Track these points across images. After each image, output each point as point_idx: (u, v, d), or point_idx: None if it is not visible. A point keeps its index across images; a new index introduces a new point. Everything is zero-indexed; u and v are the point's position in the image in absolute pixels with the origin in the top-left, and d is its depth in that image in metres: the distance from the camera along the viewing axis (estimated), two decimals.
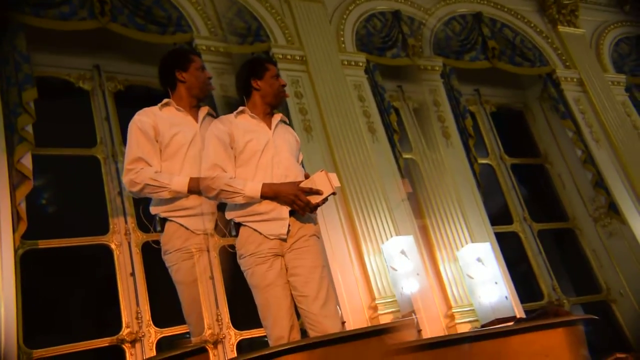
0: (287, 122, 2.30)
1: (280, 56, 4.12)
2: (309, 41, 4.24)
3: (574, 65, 5.38)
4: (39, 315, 2.95)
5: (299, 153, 2.27)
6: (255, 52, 4.03)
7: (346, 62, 4.34)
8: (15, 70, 3.10)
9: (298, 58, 4.17)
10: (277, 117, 2.23)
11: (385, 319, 3.34)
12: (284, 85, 2.23)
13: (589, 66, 5.43)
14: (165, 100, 2.22)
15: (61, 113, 3.58)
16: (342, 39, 4.45)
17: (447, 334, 3.61)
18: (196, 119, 2.21)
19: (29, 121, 3.04)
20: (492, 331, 2.25)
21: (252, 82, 2.18)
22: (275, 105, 2.23)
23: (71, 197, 3.42)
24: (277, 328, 1.97)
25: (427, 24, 4.84)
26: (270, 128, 2.15)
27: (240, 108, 2.18)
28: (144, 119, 2.15)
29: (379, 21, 4.69)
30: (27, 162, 2.96)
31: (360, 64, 4.39)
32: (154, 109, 2.20)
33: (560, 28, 5.52)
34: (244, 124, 2.13)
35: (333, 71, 4.19)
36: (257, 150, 2.08)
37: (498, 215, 4.65)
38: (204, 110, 2.27)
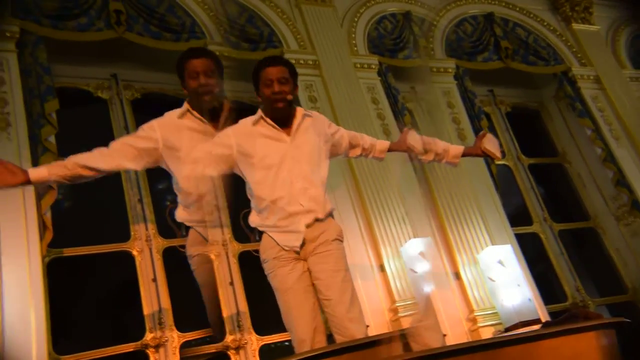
0: (311, 114, 2.19)
1: (294, 61, 4.09)
2: (321, 45, 4.25)
3: (590, 63, 5.31)
4: (65, 321, 2.99)
5: (328, 146, 2.18)
6: None
7: (359, 65, 4.33)
8: (38, 82, 3.16)
9: (311, 63, 4.18)
10: (299, 117, 2.13)
11: (406, 322, 3.32)
12: (276, 93, 2.06)
13: (606, 63, 5.36)
14: (181, 110, 2.18)
15: (81, 122, 3.63)
16: (354, 42, 4.46)
17: (469, 337, 3.56)
18: (216, 128, 2.13)
19: (52, 132, 3.09)
20: (521, 336, 2.20)
21: (256, 94, 2.15)
22: (277, 114, 2.10)
23: (92, 205, 3.46)
24: (299, 331, 1.96)
25: (438, 26, 4.83)
26: (289, 134, 2.08)
27: (258, 114, 2.12)
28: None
29: (390, 23, 4.68)
30: None
31: (373, 67, 4.39)
32: (172, 115, 2.19)
33: (575, 25, 5.46)
34: (261, 134, 2.08)
35: (346, 74, 4.19)
36: (272, 165, 2.04)
37: (517, 217, 4.60)
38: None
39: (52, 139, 3.09)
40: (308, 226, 2.02)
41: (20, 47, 3.30)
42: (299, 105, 3.93)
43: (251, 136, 2.07)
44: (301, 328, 1.95)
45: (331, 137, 2.22)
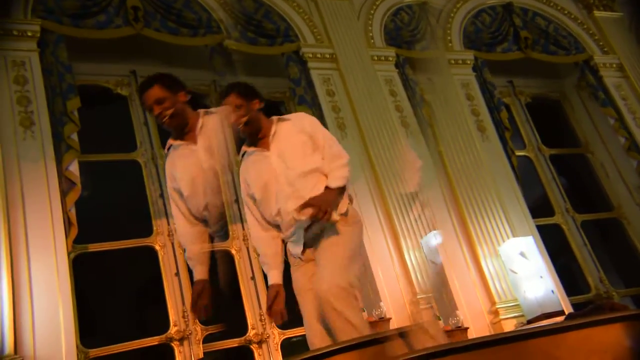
0: (289, 118, 2.11)
1: (311, 55, 4.12)
2: (338, 39, 4.23)
3: (612, 51, 5.20)
4: (91, 316, 3.05)
5: (310, 150, 2.04)
6: (285, 53, 4.05)
7: (376, 58, 4.31)
8: (59, 80, 3.20)
9: (328, 56, 4.17)
10: (273, 127, 2.07)
11: (427, 314, 3.30)
12: (236, 122, 2.03)
13: (629, 50, 5.25)
14: (167, 144, 2.20)
15: (101, 119, 3.68)
16: (371, 34, 4.43)
17: (491, 330, 3.54)
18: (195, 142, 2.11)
19: (74, 129, 3.14)
20: (546, 328, 2.16)
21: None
22: (250, 137, 2.09)
23: (115, 201, 3.50)
24: (309, 331, 1.99)
25: (456, 18, 4.77)
26: (269, 147, 2.04)
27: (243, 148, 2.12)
28: None
29: (407, 14, 4.64)
30: (74, 169, 3.07)
31: (390, 59, 4.36)
32: (168, 151, 2.23)
33: (597, 13, 5.34)
34: (249, 164, 2.08)
35: (363, 67, 4.17)
36: (263, 184, 2.02)
37: (539, 208, 4.54)
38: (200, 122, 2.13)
39: (75, 136, 3.14)
40: (306, 230, 1.99)
41: (41, 47, 3.36)
42: (316, 100, 3.98)
43: (247, 169, 2.10)
44: (310, 329, 1.97)
45: (304, 151, 2.05)
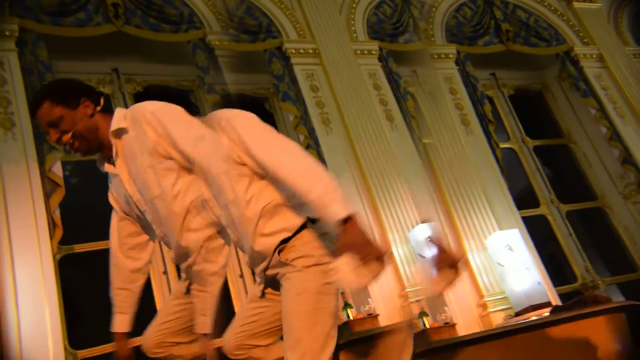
0: (122, 128, 1.54)
1: (294, 51, 4.11)
2: (321, 33, 4.22)
3: (592, 42, 5.26)
4: (79, 316, 3.02)
5: (162, 147, 1.49)
6: (267, 49, 4.03)
7: (359, 52, 4.31)
8: (40, 80, 3.15)
9: (311, 51, 4.16)
10: (112, 136, 1.55)
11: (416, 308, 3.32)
12: (58, 142, 1.56)
13: (608, 41, 5.32)
14: None
15: None
16: (354, 28, 4.42)
17: (480, 323, 3.56)
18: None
19: None
20: (531, 324, 2.20)
21: None
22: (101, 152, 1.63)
23: (100, 200, 3.46)
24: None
25: (438, 12, 4.79)
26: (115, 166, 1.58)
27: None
28: None
29: (389, 7, 4.64)
30: (57, 170, 3.02)
31: (374, 52, 4.36)
32: None
33: (576, 4, 5.40)
34: (115, 185, 1.64)
35: (347, 62, 4.17)
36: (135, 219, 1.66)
37: (524, 199, 4.59)
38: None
39: None
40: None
41: (20, 46, 3.29)
42: (300, 95, 3.96)
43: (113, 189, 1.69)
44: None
45: (156, 137, 1.49)
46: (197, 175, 1.48)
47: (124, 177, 1.56)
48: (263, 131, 1.44)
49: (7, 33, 3.28)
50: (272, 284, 1.53)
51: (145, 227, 1.70)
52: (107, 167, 1.60)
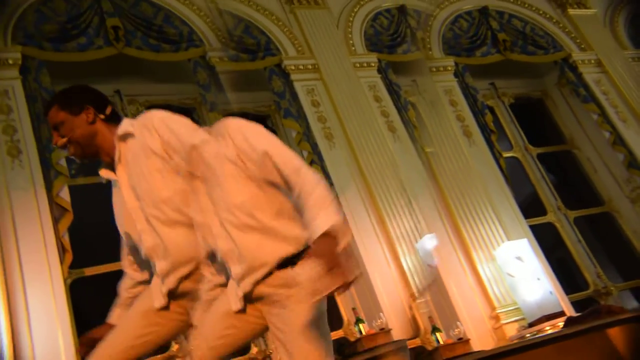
0: (132, 129, 1.58)
1: (293, 67, 4.14)
2: (319, 49, 4.25)
3: (589, 47, 5.29)
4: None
5: (167, 154, 1.52)
6: (267, 67, 4.06)
7: (358, 64, 4.33)
8: (44, 106, 3.16)
9: (310, 67, 4.18)
10: (117, 143, 1.58)
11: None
12: (55, 145, 1.65)
13: (606, 45, 5.34)
14: None
15: None
16: (351, 41, 4.45)
17: (493, 335, 3.51)
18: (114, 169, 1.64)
19: (63, 155, 3.09)
20: (544, 338, 2.18)
21: None
22: (103, 158, 1.67)
23: (109, 222, 3.46)
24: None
25: (433, 25, 4.82)
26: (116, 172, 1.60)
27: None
28: None
29: (386, 19, 4.68)
30: (65, 195, 3.04)
31: (373, 64, 4.39)
32: None
33: (571, 11, 5.45)
34: (114, 196, 1.66)
35: (346, 75, 4.19)
36: (122, 224, 1.66)
37: (530, 207, 4.56)
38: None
39: (63, 162, 3.10)
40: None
41: (23, 73, 3.32)
42: (302, 111, 3.97)
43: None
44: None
45: (162, 142, 1.52)
46: (201, 179, 1.47)
47: (123, 183, 1.58)
48: (275, 139, 1.47)
49: (10, 61, 3.31)
50: (258, 301, 1.42)
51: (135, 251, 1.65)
52: (106, 173, 1.64)
